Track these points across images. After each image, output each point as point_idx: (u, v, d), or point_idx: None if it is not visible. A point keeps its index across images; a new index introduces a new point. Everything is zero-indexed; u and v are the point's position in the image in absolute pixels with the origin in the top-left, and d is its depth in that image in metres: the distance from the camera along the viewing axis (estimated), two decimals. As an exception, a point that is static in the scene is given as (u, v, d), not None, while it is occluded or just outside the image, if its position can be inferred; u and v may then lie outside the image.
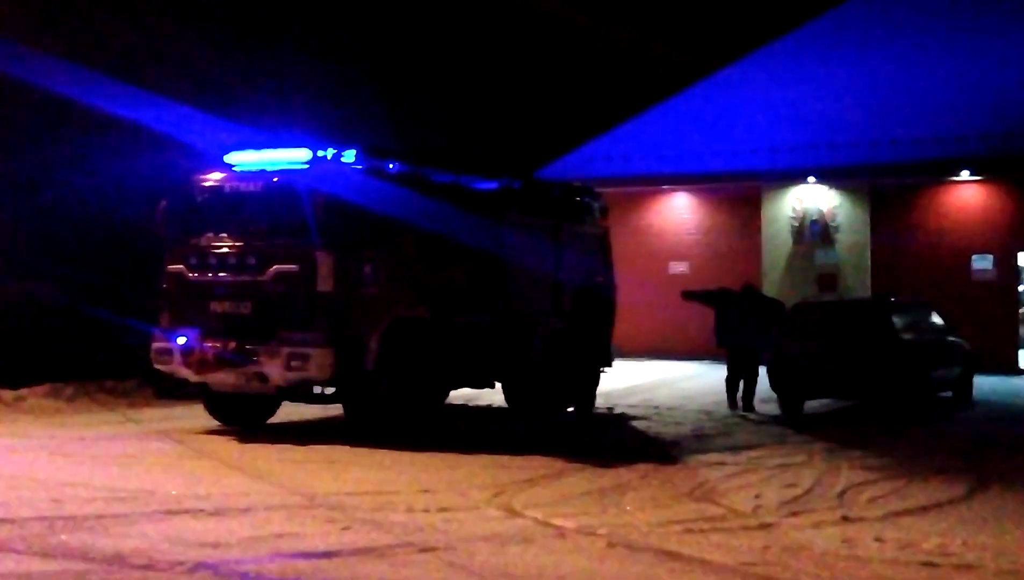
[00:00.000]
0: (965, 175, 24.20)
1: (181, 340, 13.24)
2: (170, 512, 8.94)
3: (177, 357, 13.32)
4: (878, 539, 8.29)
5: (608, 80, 33.79)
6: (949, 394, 18.06)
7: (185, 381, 13.97)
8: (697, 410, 16.46)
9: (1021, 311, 25.12)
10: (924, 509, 9.45)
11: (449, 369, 14.17)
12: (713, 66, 28.63)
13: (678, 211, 26.93)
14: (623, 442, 13.69)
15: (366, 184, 13.28)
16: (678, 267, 26.40)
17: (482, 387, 15.45)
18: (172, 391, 16.32)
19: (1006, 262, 24.00)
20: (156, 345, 13.63)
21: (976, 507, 9.61)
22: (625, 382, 19.88)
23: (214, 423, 14.10)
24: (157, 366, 13.81)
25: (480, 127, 31.12)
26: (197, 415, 14.46)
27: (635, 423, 15.30)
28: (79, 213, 19.54)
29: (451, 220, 14.07)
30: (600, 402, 17.06)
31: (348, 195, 12.98)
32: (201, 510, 9.02)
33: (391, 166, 13.94)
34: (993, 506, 9.66)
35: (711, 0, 35.57)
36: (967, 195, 24.61)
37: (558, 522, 8.71)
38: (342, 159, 13.41)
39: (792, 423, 15.35)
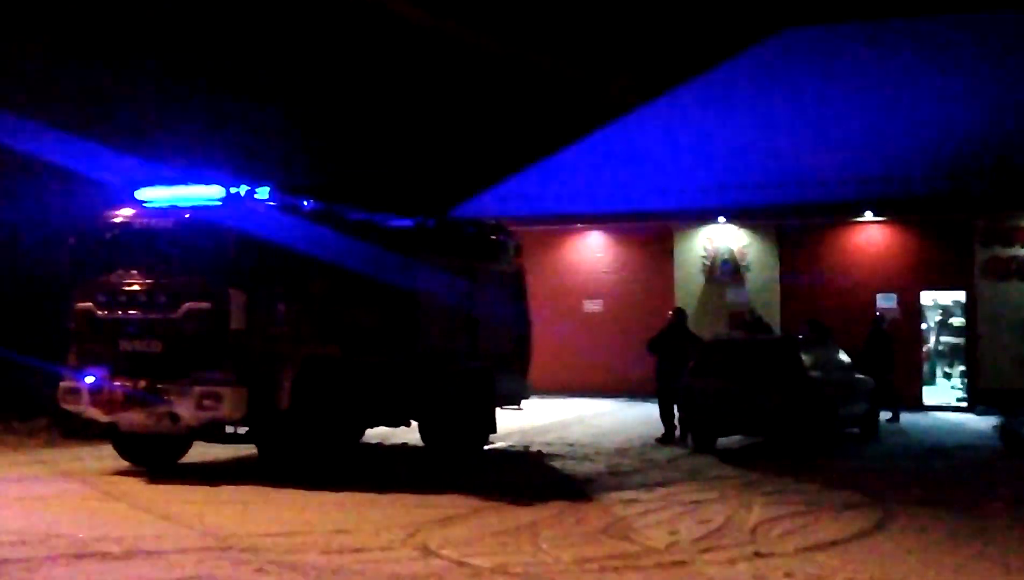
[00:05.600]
0: (868, 216, 24.78)
1: (90, 379, 12.99)
2: (78, 555, 8.76)
3: (86, 397, 13.05)
4: (788, 574, 8.41)
5: (521, 120, 34.05)
6: (856, 430, 18.41)
7: (94, 421, 13.70)
8: (611, 447, 16.55)
9: (924, 349, 25.72)
10: (834, 543, 9.62)
11: (363, 408, 14.09)
12: (625, 107, 28.99)
13: (592, 250, 27.14)
14: (538, 480, 13.71)
15: (279, 221, 13.21)
16: (592, 305, 26.60)
17: (398, 426, 15.38)
18: (81, 431, 15.98)
19: (909, 301, 24.57)
20: (64, 384, 13.35)
21: (883, 540, 9.81)
22: (540, 419, 19.92)
23: (124, 464, 13.84)
24: (65, 406, 13.52)
25: (395, 165, 31.13)
26: (106, 456, 14.18)
27: (550, 460, 15.34)
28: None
29: (365, 258, 14.05)
30: (516, 439, 17.07)
31: (261, 232, 12.89)
32: (110, 553, 8.85)
33: (305, 203, 13.89)
34: (900, 539, 9.87)
35: (624, 42, 36.08)
36: (871, 235, 25.19)
37: (474, 561, 8.70)
38: (255, 196, 13.34)
39: (704, 460, 15.51)
